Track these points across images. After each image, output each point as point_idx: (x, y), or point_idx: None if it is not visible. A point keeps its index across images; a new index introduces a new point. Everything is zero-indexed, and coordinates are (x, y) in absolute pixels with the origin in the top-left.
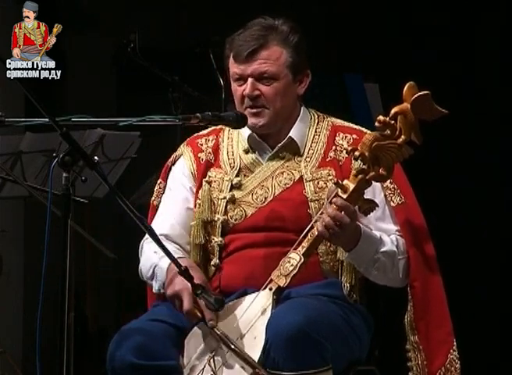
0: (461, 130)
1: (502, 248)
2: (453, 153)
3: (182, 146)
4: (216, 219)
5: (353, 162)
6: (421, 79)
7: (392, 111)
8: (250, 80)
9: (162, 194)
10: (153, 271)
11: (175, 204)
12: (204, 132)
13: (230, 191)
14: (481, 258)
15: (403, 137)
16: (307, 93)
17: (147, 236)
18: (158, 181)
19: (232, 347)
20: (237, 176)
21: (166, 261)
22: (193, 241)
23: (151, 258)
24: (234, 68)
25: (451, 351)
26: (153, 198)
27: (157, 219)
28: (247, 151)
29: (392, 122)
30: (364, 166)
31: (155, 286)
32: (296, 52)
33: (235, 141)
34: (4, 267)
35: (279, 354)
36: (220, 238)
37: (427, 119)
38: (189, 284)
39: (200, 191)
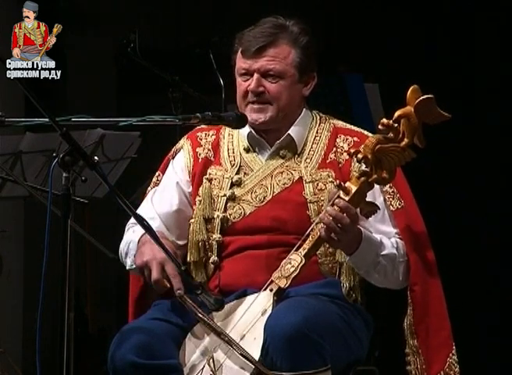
0: (461, 132)
1: (501, 250)
2: (453, 156)
3: (182, 139)
4: (216, 216)
5: (353, 164)
6: (421, 79)
7: (396, 114)
8: (256, 75)
9: (157, 186)
10: (128, 247)
11: (161, 198)
12: (205, 126)
13: (230, 188)
14: (481, 261)
15: (406, 140)
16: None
17: (127, 226)
18: (157, 173)
19: (205, 319)
20: (237, 173)
21: (139, 235)
22: (195, 238)
23: (128, 236)
24: (241, 63)
25: (450, 355)
26: (149, 188)
27: (141, 208)
28: (247, 150)
29: (396, 125)
30: (366, 169)
31: (128, 261)
32: (305, 53)
33: (235, 138)
34: (4, 267)
35: (277, 354)
36: (219, 235)
37: (430, 123)
38: (158, 254)
39: (200, 188)
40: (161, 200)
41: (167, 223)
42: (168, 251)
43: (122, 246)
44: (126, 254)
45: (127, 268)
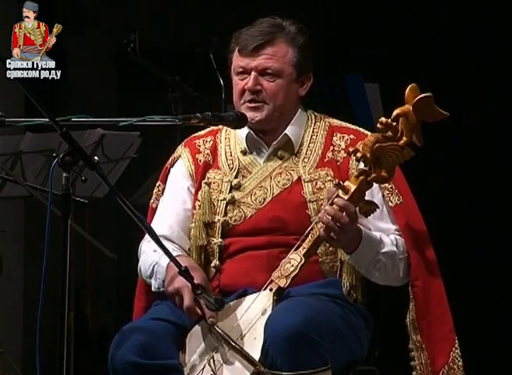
0: (460, 132)
1: (501, 246)
2: (452, 155)
3: (180, 147)
4: (216, 220)
5: (351, 163)
6: (421, 79)
7: (394, 113)
8: (253, 74)
9: (161, 196)
10: (152, 269)
11: (173, 205)
12: (202, 133)
13: (230, 192)
14: (480, 255)
15: (404, 138)
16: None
17: (146, 236)
18: (157, 184)
19: (233, 344)
20: (236, 177)
21: (166, 259)
22: (195, 243)
23: (150, 256)
24: (238, 61)
25: (453, 349)
26: (152, 200)
27: (155, 220)
28: (244, 153)
29: (394, 123)
30: (365, 168)
31: (155, 284)
32: (302, 53)
33: (232, 141)
34: (4, 267)
35: (277, 354)
36: (220, 239)
37: (428, 121)
38: None
39: (199, 193)
40: (173, 208)
41: (184, 229)
42: (168, 251)
43: (146, 266)
44: (151, 276)
45: (153, 290)
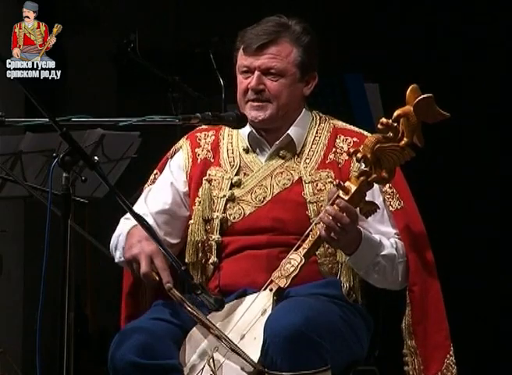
0: (460, 132)
1: (501, 246)
2: (452, 155)
3: (182, 139)
4: (215, 217)
5: (352, 164)
6: (421, 79)
7: (395, 113)
8: (256, 73)
9: (153, 184)
10: (117, 240)
11: (155, 197)
12: (205, 126)
13: (230, 189)
14: (480, 255)
15: (405, 139)
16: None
17: (121, 220)
18: (154, 172)
19: (194, 313)
20: (237, 174)
21: (128, 227)
22: (193, 239)
23: (118, 229)
24: (242, 60)
25: (448, 355)
26: (145, 185)
27: (136, 204)
28: (246, 151)
29: (395, 124)
30: (366, 168)
31: (117, 254)
32: (306, 53)
33: (235, 139)
34: (4, 267)
35: (277, 354)
36: (218, 236)
37: (429, 122)
38: (146, 247)
39: (200, 190)
40: (154, 198)
41: (158, 221)
42: (167, 250)
43: (113, 239)
44: (116, 247)
45: (116, 261)
